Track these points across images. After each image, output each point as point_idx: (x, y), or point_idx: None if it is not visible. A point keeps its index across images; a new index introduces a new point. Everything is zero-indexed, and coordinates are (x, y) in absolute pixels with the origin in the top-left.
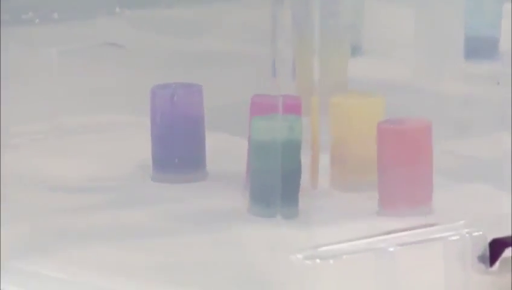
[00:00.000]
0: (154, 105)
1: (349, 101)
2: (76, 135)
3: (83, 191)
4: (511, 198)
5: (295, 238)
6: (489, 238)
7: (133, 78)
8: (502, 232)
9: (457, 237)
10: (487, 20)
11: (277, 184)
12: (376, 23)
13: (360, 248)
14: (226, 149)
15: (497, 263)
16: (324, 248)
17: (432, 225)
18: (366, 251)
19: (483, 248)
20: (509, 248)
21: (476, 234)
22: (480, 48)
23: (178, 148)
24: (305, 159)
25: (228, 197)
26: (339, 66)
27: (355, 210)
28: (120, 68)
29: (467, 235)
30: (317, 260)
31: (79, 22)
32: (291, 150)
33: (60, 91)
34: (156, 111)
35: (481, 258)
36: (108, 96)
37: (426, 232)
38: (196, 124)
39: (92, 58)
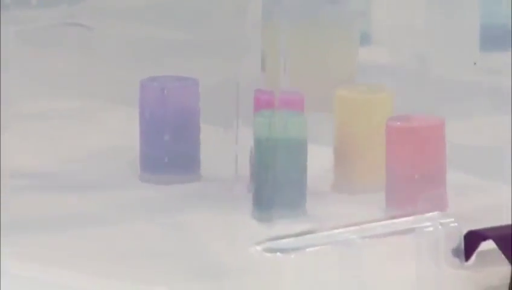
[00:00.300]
0: (144, 99)
1: (356, 95)
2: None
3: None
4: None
5: (256, 231)
6: (465, 231)
7: (98, 61)
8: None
9: (430, 228)
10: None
11: (276, 184)
12: (386, 10)
13: (327, 241)
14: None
15: (473, 257)
16: (287, 240)
17: (404, 216)
18: (332, 244)
19: (458, 241)
20: (486, 241)
21: (449, 225)
22: (495, 37)
23: (169, 147)
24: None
25: (216, 199)
26: (347, 56)
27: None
28: (84, 50)
29: (440, 226)
30: (278, 253)
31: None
32: (288, 148)
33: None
34: (145, 105)
35: (455, 252)
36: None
37: (397, 223)
38: (190, 121)
39: (53, 39)
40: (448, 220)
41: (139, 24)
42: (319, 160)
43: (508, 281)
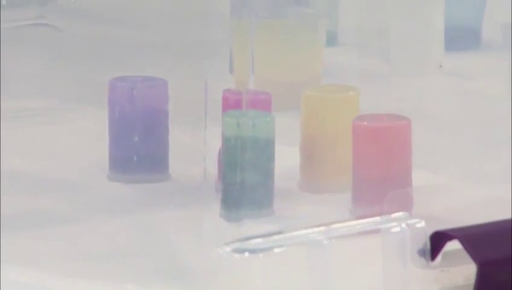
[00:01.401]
0: (113, 98)
1: (322, 95)
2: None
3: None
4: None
5: (225, 231)
6: (431, 231)
7: (67, 62)
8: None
9: (396, 229)
10: (469, 10)
11: (244, 184)
12: (353, 11)
13: (294, 241)
14: (191, 147)
15: (439, 257)
16: (255, 241)
17: (371, 216)
18: (299, 244)
19: (424, 241)
20: (452, 241)
21: (415, 226)
22: (461, 38)
23: (138, 146)
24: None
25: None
26: (314, 58)
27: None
28: (53, 51)
29: (406, 227)
30: (246, 253)
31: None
32: (255, 148)
33: None
34: (115, 105)
35: (421, 252)
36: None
37: (364, 224)
38: (159, 121)
39: (22, 40)
40: (414, 220)
41: (107, 25)
42: (286, 160)
43: (473, 281)
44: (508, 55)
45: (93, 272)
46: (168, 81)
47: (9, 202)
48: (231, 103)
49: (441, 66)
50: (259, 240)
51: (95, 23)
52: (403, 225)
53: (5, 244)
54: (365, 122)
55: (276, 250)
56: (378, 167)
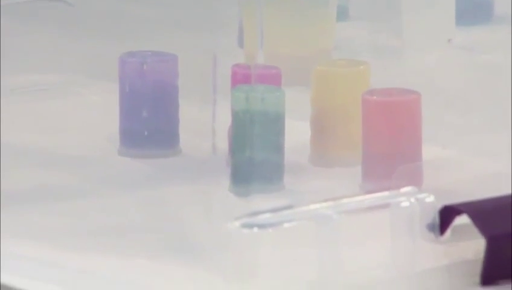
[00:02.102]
0: (123, 74)
1: (333, 69)
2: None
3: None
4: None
5: (234, 206)
6: (440, 206)
7: (78, 37)
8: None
9: (405, 203)
10: None
11: (253, 158)
12: None
13: (303, 216)
14: (201, 122)
15: (448, 232)
16: (264, 216)
17: (380, 191)
18: (308, 219)
19: (433, 215)
20: (461, 216)
21: (424, 200)
22: (473, 12)
23: (148, 121)
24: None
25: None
26: (324, 32)
27: (335, 186)
28: (65, 26)
29: (415, 201)
30: (255, 228)
31: None
32: (265, 122)
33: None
34: (125, 80)
35: (431, 227)
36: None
37: (373, 198)
38: (169, 95)
39: (35, 15)
40: (423, 195)
41: (118, 0)
42: (296, 134)
43: (482, 255)
44: None
45: (103, 247)
46: (178, 56)
47: (20, 177)
48: (240, 78)
49: (450, 40)
50: (268, 215)
51: None
52: (412, 200)
53: (15, 219)
54: (375, 97)
55: (285, 225)
56: (388, 141)
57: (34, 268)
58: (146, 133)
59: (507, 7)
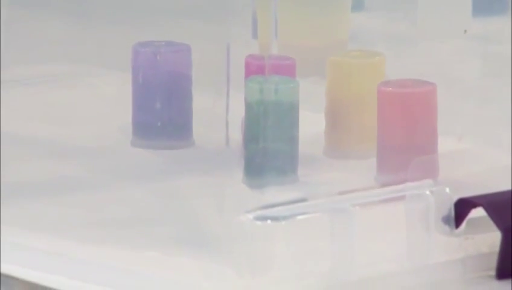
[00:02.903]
0: (136, 64)
1: (348, 60)
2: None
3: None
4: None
5: (247, 198)
6: (455, 198)
7: (90, 26)
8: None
9: (421, 196)
10: None
11: (267, 150)
12: None
13: (317, 208)
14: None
15: (463, 225)
16: (277, 208)
17: (396, 183)
18: (322, 211)
19: (449, 208)
20: (476, 209)
21: (440, 193)
22: (488, 2)
23: (161, 112)
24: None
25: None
26: (339, 23)
27: (350, 178)
28: (76, 15)
29: (430, 194)
30: (268, 221)
31: None
32: (279, 113)
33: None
34: (138, 70)
35: (446, 219)
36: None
37: (388, 191)
38: (182, 86)
39: (45, 3)
40: (438, 187)
41: None
42: (310, 126)
43: (498, 248)
44: None
45: (116, 239)
46: (191, 46)
47: (32, 168)
48: (254, 69)
49: (465, 32)
50: (281, 207)
51: None
52: (428, 192)
53: (27, 211)
54: (390, 88)
55: (299, 217)
56: (403, 133)
57: (44, 259)
58: (159, 124)
59: None
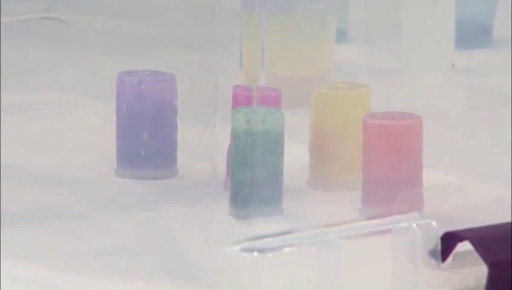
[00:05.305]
0: (121, 92)
1: (332, 92)
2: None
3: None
4: None
5: (233, 229)
6: (442, 232)
7: (74, 55)
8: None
9: (407, 229)
10: (481, 7)
11: (253, 181)
12: (362, 8)
13: (304, 241)
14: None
15: (450, 258)
16: (264, 240)
17: (381, 216)
18: (309, 244)
19: (435, 241)
20: (463, 242)
21: (426, 226)
22: (473, 36)
23: (146, 141)
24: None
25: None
26: (323, 54)
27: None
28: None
29: (417, 227)
30: (255, 253)
31: None
32: (265, 145)
33: None
34: (123, 99)
35: (432, 253)
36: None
37: (374, 224)
38: (167, 116)
39: (30, 33)
40: (425, 220)
41: (116, 18)
42: (295, 157)
43: (484, 282)
44: None
45: (100, 269)
46: (176, 76)
47: (16, 197)
48: (241, 99)
49: (453, 65)
50: (268, 239)
51: (103, 17)
52: (414, 226)
53: (11, 240)
54: (376, 120)
55: (286, 249)
56: (388, 165)
57: (27, 288)
58: (143, 153)
59: (506, 31)
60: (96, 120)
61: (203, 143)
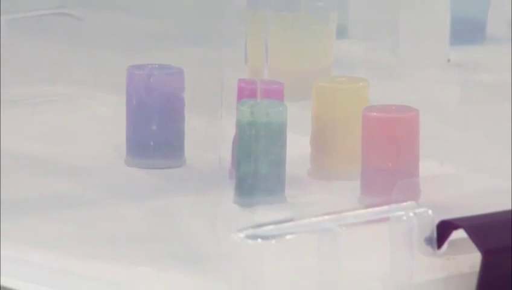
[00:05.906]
0: (131, 85)
1: (333, 85)
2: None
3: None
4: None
5: (238, 217)
6: (438, 220)
7: (86, 50)
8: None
9: (404, 217)
10: (475, 3)
11: (257, 170)
12: (362, 5)
13: (305, 228)
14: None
15: (445, 246)
16: (268, 227)
17: (379, 205)
18: (310, 231)
19: (431, 229)
20: (458, 230)
21: (423, 215)
22: (467, 32)
23: (154, 132)
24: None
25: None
26: (324, 49)
27: (334, 199)
28: (73, 39)
29: (414, 216)
30: (259, 240)
31: None
32: (269, 136)
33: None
34: (132, 92)
35: (428, 240)
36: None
37: (373, 212)
38: (175, 108)
39: (43, 29)
40: (421, 209)
41: (126, 14)
42: (297, 148)
43: (478, 268)
44: None
45: (109, 255)
46: (184, 70)
47: (29, 186)
48: (246, 92)
49: (449, 61)
50: (271, 226)
51: (114, 13)
52: (411, 214)
53: (22, 227)
54: (374, 113)
55: (288, 237)
56: (386, 156)
57: (40, 275)
58: (152, 143)
59: (500, 28)
60: (107, 112)
61: (210, 134)
